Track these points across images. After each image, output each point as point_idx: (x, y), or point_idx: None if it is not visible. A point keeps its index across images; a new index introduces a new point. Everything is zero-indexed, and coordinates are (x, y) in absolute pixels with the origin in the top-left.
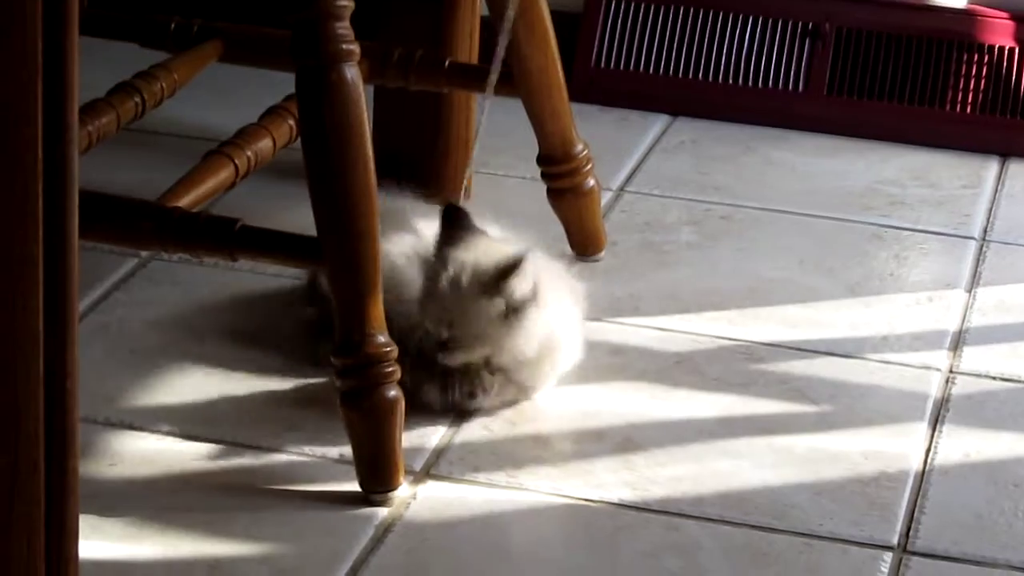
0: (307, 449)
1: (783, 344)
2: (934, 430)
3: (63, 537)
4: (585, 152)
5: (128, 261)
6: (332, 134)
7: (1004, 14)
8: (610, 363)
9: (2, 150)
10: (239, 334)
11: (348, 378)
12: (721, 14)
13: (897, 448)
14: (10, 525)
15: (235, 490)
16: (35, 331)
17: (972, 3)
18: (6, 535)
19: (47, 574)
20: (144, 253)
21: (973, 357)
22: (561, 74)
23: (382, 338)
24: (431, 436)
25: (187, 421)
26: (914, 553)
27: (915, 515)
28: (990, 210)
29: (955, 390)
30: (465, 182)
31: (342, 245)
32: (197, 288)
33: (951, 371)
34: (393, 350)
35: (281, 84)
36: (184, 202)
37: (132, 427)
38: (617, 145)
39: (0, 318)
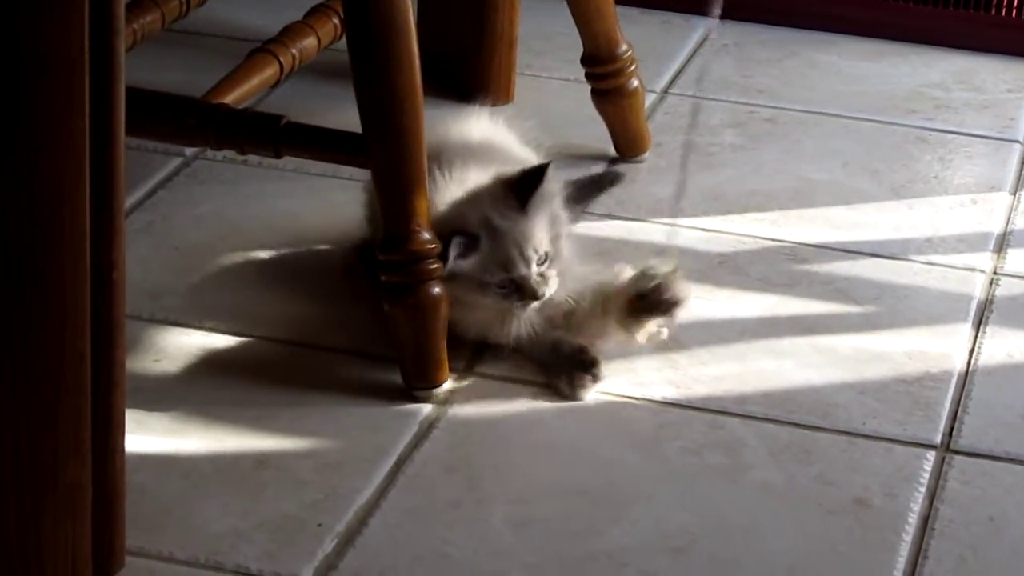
0: (352, 345)
1: (827, 245)
2: (978, 331)
3: (110, 428)
4: (629, 53)
5: (173, 160)
6: (377, 31)
7: None
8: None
9: (49, 36)
10: (283, 232)
11: (392, 274)
12: None
13: (941, 348)
14: (58, 415)
15: (280, 386)
16: (82, 225)
17: None
18: (53, 425)
19: (94, 464)
20: (189, 152)
21: (1017, 259)
22: None
23: (427, 235)
24: None
25: (231, 318)
26: (957, 452)
27: (958, 415)
28: None
29: (999, 291)
30: None
31: (387, 142)
32: (241, 187)
33: (995, 273)
34: (437, 247)
35: None
36: (229, 99)
37: (177, 323)
38: (660, 48)
39: (47, 212)
